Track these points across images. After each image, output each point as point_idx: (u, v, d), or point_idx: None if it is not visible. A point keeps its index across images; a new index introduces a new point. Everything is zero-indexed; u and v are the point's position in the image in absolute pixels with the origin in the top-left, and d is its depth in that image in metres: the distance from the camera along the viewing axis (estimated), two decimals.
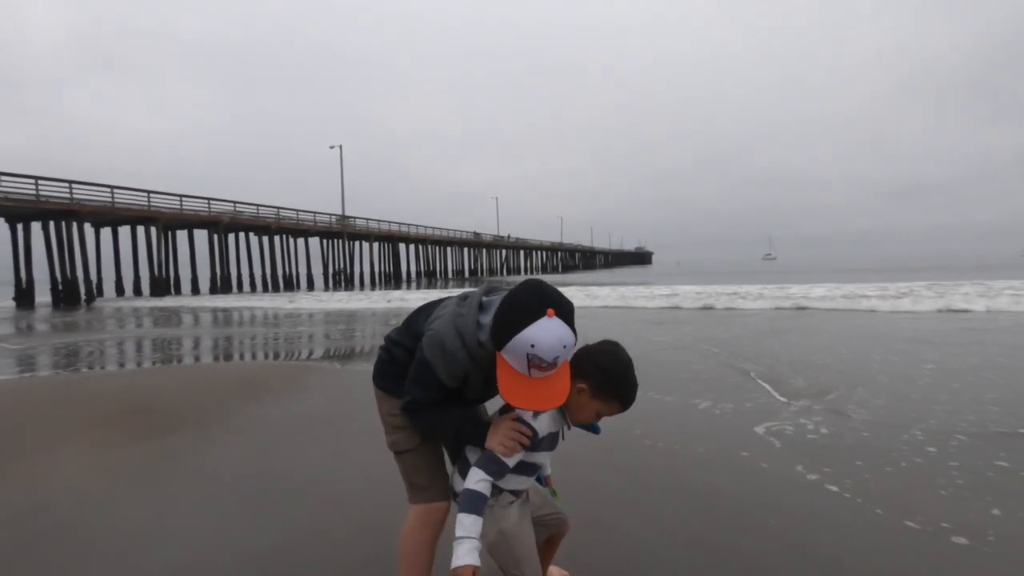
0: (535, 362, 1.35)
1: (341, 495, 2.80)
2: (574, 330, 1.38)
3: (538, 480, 1.84)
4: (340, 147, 43.58)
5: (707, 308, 12.44)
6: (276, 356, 8.13)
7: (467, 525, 1.39)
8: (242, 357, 8.15)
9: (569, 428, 1.58)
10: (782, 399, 4.39)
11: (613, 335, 1.66)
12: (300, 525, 2.47)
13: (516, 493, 1.57)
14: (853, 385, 4.73)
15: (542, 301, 1.36)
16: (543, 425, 1.51)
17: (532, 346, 1.33)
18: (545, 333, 1.33)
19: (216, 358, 8.22)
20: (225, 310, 18.70)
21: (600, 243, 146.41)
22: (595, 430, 1.64)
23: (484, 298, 1.50)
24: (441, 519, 1.64)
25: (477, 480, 1.45)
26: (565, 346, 1.35)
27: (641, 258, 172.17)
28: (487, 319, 1.44)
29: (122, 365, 7.82)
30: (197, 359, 8.29)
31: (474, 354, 1.43)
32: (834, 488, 2.71)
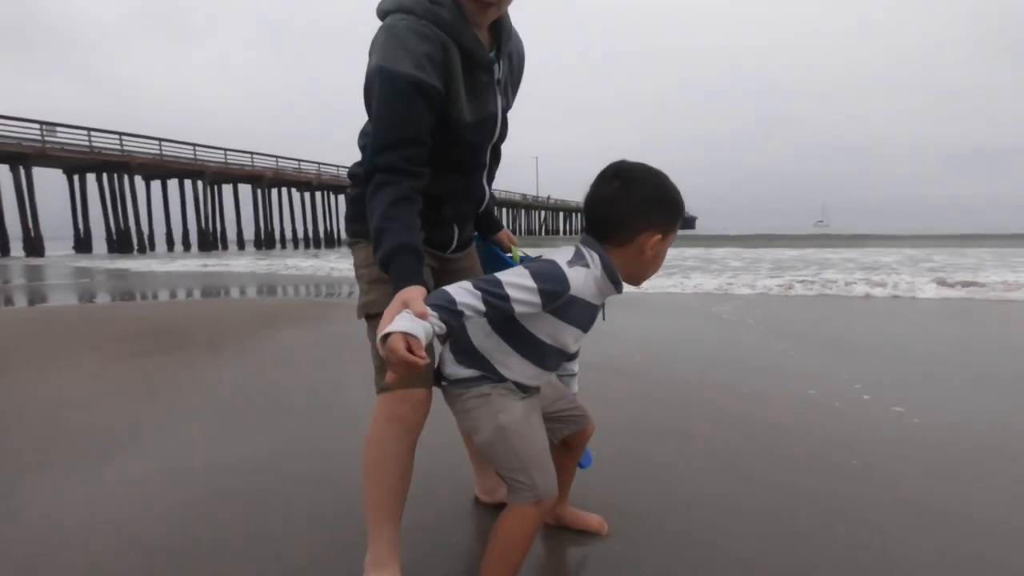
0: None
1: (341, 415, 2.50)
2: None
3: (497, 249, 1.47)
4: None
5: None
6: (303, 293, 7.99)
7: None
8: (272, 293, 8.05)
9: (620, 291, 1.11)
10: None
11: None
12: (290, 440, 2.20)
13: (523, 388, 1.13)
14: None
15: None
16: (580, 284, 1.03)
17: None
18: None
19: (242, 292, 8.14)
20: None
21: None
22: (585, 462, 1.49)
23: None
24: (417, 414, 1.18)
25: (462, 291, 0.95)
26: None
27: (685, 222, 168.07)
28: None
29: (155, 296, 7.84)
30: (226, 293, 8.24)
31: (433, 16, 1.04)
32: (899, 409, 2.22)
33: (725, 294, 7.02)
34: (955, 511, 1.59)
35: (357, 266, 1.24)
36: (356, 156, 1.23)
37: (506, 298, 0.97)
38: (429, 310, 0.90)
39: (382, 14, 1.08)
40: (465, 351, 1.12)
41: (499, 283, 0.98)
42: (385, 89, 1.00)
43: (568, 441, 1.37)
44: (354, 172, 1.23)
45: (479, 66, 1.12)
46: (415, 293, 0.89)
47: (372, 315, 1.18)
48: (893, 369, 3.22)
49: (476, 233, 1.46)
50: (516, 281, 0.99)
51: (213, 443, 2.18)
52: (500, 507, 1.59)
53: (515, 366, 1.10)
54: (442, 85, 1.04)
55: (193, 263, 16.60)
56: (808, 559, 1.36)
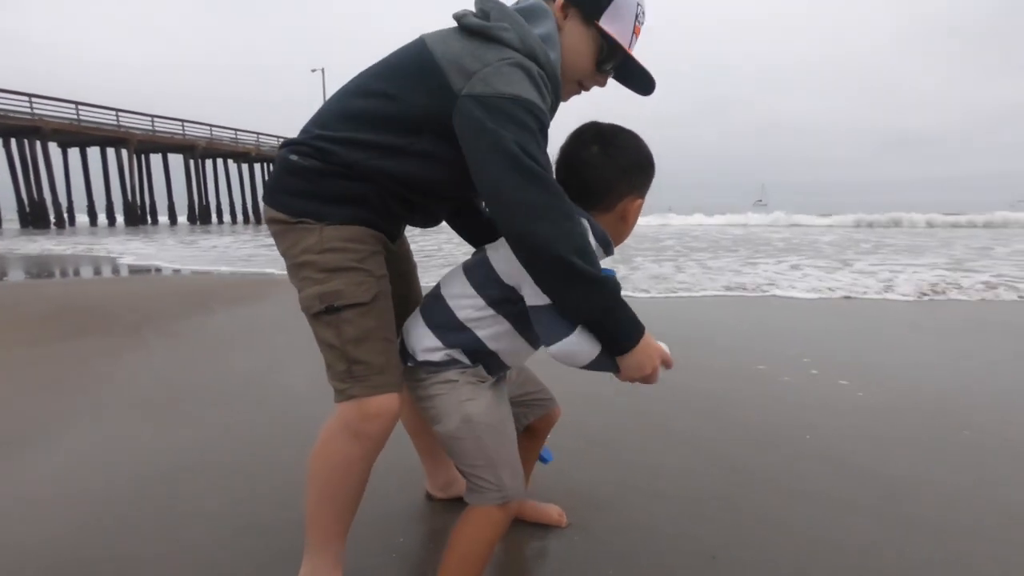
0: (640, 20, 1.07)
1: (278, 401, 2.31)
2: None
3: None
4: (323, 71, 41.19)
5: None
6: (240, 271, 7.54)
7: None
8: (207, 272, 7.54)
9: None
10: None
11: None
12: (218, 437, 1.99)
13: (492, 371, 1.03)
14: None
15: None
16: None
17: None
18: None
19: (176, 271, 7.59)
20: None
21: None
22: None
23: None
24: (389, 428, 1.02)
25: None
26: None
27: None
28: (542, 30, 1.01)
29: (63, 275, 7.18)
30: (158, 270, 7.67)
31: (555, 86, 1.02)
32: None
33: (672, 275, 7.12)
34: (912, 487, 1.60)
35: (303, 250, 1.00)
36: (293, 131, 1.06)
37: None
38: None
39: (504, 39, 0.96)
40: (444, 325, 1.01)
41: None
42: (530, 119, 0.92)
43: (533, 427, 1.27)
44: (308, 142, 0.99)
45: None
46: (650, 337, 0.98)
47: (339, 307, 0.98)
48: (837, 345, 3.30)
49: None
50: None
51: (127, 442, 1.95)
52: (454, 503, 1.49)
53: (505, 339, 1.01)
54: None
55: None
56: (774, 544, 1.32)
